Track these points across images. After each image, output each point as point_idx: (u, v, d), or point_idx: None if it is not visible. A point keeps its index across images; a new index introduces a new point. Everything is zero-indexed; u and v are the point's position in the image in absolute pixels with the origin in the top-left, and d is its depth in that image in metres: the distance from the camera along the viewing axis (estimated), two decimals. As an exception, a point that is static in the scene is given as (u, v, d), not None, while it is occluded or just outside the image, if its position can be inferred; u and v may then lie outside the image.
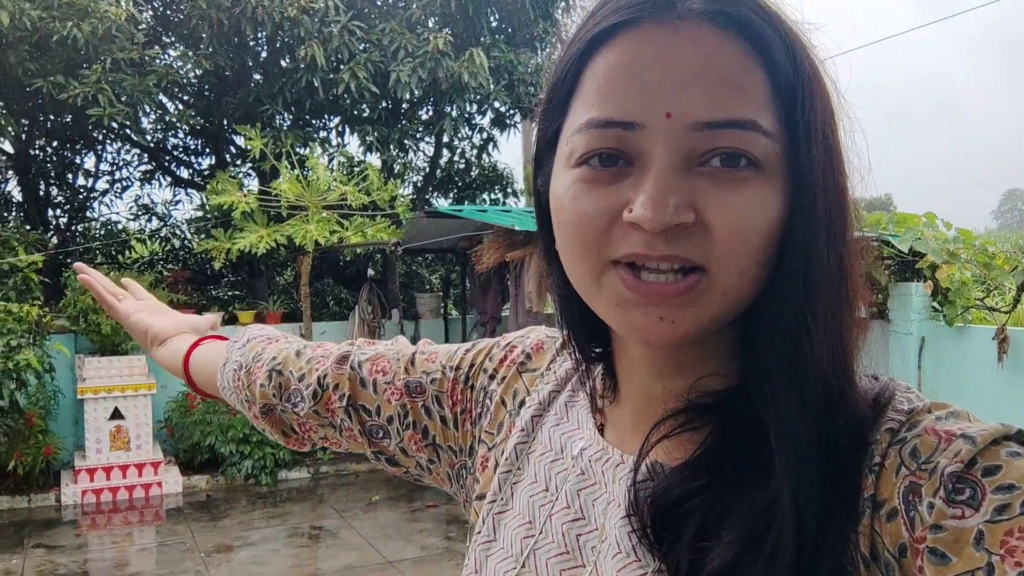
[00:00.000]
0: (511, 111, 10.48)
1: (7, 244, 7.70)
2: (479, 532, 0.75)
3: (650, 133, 0.54)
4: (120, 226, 10.83)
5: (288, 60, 9.24)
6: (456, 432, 0.85)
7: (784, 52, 0.55)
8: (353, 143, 10.26)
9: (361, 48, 8.75)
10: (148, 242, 11.04)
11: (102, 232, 10.63)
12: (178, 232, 11.13)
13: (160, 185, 11.01)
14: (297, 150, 8.72)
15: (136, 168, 10.94)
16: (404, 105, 10.01)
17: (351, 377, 0.89)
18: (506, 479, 0.76)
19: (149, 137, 10.03)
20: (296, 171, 8.26)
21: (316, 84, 8.56)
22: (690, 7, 0.54)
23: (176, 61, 9.24)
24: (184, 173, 10.91)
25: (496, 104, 9.99)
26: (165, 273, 9.95)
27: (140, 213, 11.05)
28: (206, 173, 10.44)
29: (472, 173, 11.60)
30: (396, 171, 10.08)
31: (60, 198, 10.53)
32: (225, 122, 9.75)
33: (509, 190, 11.69)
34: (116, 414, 7.41)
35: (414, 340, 0.93)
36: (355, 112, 9.86)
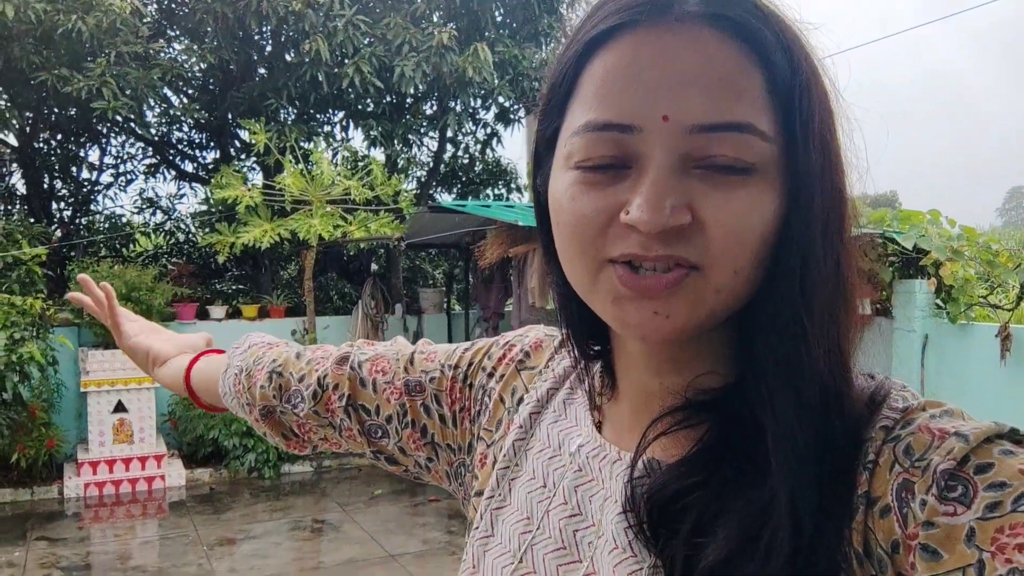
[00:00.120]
0: (515, 106, 10.44)
1: (11, 237, 7.69)
2: (477, 528, 0.75)
3: (647, 136, 0.54)
4: (124, 219, 10.81)
5: (293, 54, 9.22)
6: (455, 430, 0.85)
7: (782, 54, 0.55)
8: (357, 138, 10.24)
9: (366, 42, 8.73)
10: (152, 236, 11.01)
11: (106, 225, 10.62)
12: (182, 226, 11.11)
13: (164, 179, 11.00)
14: (301, 144, 8.71)
15: (140, 161, 10.92)
16: (408, 100, 9.99)
17: (351, 377, 0.90)
18: (504, 475, 0.76)
19: (153, 131, 10.02)
20: (300, 165, 8.26)
21: (320, 78, 8.55)
22: (688, 9, 0.55)
23: (181, 55, 9.21)
24: (188, 167, 10.89)
25: (500, 99, 9.97)
26: (169, 267, 9.93)
27: (144, 207, 11.03)
28: (210, 167, 10.42)
29: (476, 168, 11.58)
30: (400, 166, 10.06)
31: (64, 191, 10.51)
32: (229, 116, 9.74)
33: (513, 185, 11.65)
34: (119, 407, 7.43)
35: (417, 335, 0.95)
36: (359, 107, 9.85)
